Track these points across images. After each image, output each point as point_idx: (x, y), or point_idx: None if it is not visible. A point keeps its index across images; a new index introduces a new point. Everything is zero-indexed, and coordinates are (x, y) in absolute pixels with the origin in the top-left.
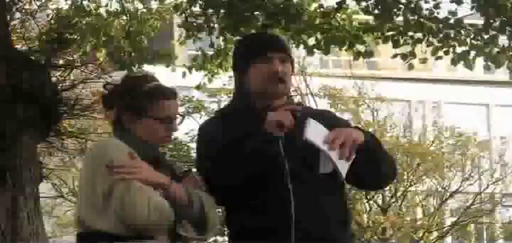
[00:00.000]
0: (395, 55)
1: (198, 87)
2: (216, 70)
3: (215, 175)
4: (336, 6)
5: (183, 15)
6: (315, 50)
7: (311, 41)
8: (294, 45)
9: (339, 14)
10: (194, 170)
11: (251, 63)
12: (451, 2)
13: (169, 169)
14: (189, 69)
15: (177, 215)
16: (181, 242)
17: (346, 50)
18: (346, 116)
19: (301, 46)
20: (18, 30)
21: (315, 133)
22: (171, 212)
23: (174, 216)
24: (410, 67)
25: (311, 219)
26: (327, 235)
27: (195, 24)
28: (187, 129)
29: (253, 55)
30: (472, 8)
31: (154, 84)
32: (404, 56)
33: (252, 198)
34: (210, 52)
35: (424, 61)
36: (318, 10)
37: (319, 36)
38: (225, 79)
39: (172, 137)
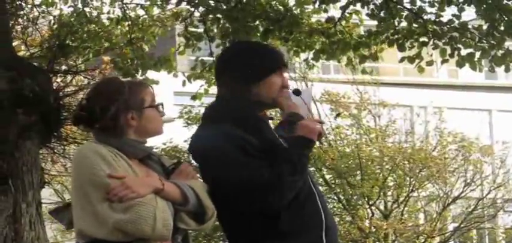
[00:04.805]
0: (402, 59)
1: (194, 97)
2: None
3: (256, 180)
4: (340, 11)
5: (184, 23)
6: (320, 55)
7: (316, 46)
8: (292, 53)
9: (342, 24)
10: (183, 161)
11: (267, 75)
12: (456, 5)
13: (159, 164)
14: (188, 78)
15: (175, 211)
16: (182, 234)
17: (353, 56)
18: (348, 121)
19: (302, 54)
20: (20, 37)
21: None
22: (172, 213)
23: (173, 212)
24: (421, 70)
25: (330, 219)
26: (337, 235)
27: (194, 33)
28: (186, 137)
29: (271, 68)
30: (476, 12)
31: (129, 79)
32: (411, 59)
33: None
34: (210, 60)
35: (430, 63)
36: (322, 18)
37: (323, 39)
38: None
39: (166, 126)
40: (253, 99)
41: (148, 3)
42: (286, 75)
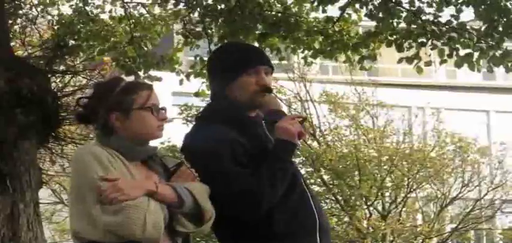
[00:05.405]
0: (401, 60)
1: (197, 94)
2: None
3: (236, 188)
4: (339, 11)
5: (182, 22)
6: (318, 54)
7: (315, 45)
8: (290, 52)
9: (341, 24)
10: (184, 163)
11: (240, 73)
12: (454, 6)
13: (160, 165)
14: (187, 76)
15: (171, 213)
16: (181, 237)
17: (350, 55)
18: (346, 122)
19: (300, 54)
20: (18, 36)
21: None
22: (166, 215)
23: (168, 215)
24: (419, 70)
25: (324, 220)
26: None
27: (193, 31)
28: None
29: (243, 66)
30: (475, 13)
31: (128, 81)
32: (410, 60)
33: (284, 201)
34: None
35: (429, 63)
36: (320, 18)
37: (321, 39)
38: None
39: (165, 126)
40: (232, 100)
41: (149, 1)
42: (263, 72)
